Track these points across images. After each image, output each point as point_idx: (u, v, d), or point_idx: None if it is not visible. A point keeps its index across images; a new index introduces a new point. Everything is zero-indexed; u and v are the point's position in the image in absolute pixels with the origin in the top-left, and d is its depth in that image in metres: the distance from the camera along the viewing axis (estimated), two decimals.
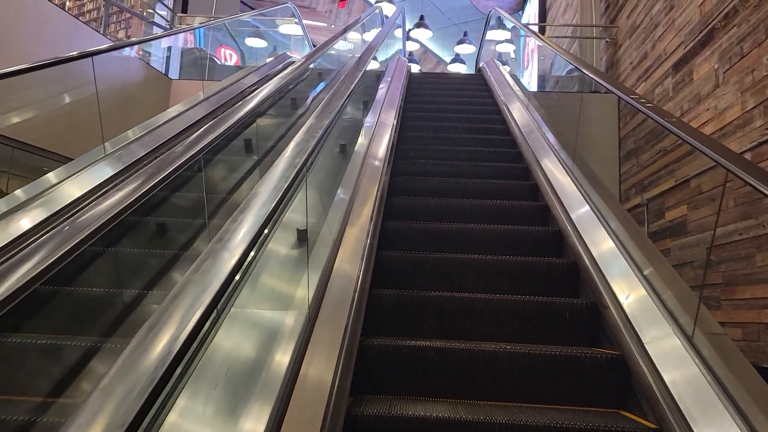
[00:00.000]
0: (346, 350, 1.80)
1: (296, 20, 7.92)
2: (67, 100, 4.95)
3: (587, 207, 2.85)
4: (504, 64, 10.87)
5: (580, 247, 2.64)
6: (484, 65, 7.04)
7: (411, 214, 3.25)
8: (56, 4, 6.27)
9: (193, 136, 3.03)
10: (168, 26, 10.07)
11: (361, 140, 3.57)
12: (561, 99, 7.13)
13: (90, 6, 12.60)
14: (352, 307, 2.02)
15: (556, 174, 3.48)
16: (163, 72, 7.34)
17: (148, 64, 6.94)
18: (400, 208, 3.31)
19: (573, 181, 3.22)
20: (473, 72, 9.74)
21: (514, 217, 3.27)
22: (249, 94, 4.19)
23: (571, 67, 7.12)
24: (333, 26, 16.53)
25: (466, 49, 13.38)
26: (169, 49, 7.25)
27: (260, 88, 3.43)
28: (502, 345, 2.10)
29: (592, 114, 6.77)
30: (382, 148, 3.54)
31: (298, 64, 3.93)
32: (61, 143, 5.23)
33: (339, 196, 2.82)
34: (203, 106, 4.10)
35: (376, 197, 2.93)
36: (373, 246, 2.65)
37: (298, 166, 1.73)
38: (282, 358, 1.59)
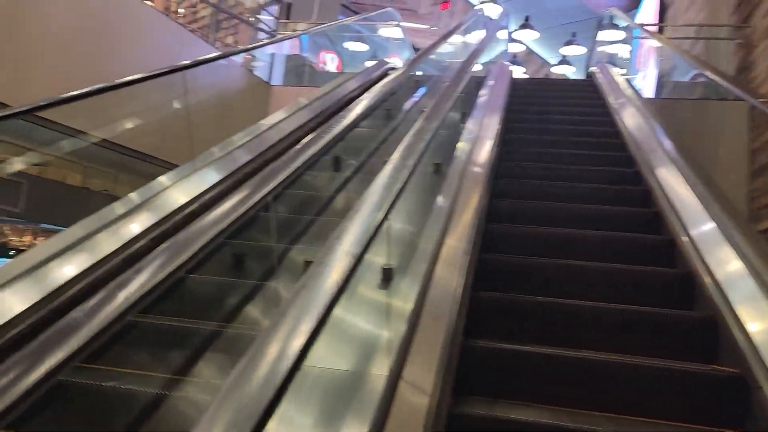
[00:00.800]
0: (447, 351, 1.87)
1: (396, 24, 8.14)
2: (171, 108, 5.35)
3: (707, 218, 2.76)
4: (616, 66, 10.54)
5: (696, 260, 2.60)
6: (596, 70, 6.88)
7: (514, 218, 3.33)
8: (164, 13, 6.84)
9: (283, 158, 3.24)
10: (272, 32, 10.66)
11: (462, 146, 3.65)
12: (683, 107, 6.83)
13: (203, 13, 13.64)
14: (454, 308, 2.10)
15: (672, 182, 3.38)
16: (266, 79, 7.80)
17: (250, 71, 7.40)
18: (504, 213, 3.39)
19: (691, 191, 3.11)
20: (583, 77, 9.53)
21: (623, 223, 3.26)
22: (347, 104, 4.37)
23: (695, 71, 6.81)
24: (435, 28, 16.71)
25: (574, 51, 13.11)
26: (271, 55, 7.69)
27: (358, 100, 3.62)
28: (611, 355, 2.12)
29: (717, 123, 6.44)
30: (483, 154, 3.60)
31: (398, 73, 4.07)
32: (166, 150, 5.68)
33: (440, 199, 2.95)
34: (299, 117, 4.34)
35: (478, 202, 3.02)
36: (476, 247, 2.72)
37: (411, 167, 1.83)
38: (386, 354, 1.70)
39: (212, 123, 6.34)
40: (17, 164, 5.59)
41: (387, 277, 1.97)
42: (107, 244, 2.47)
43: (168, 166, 4.90)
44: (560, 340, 2.34)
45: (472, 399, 1.98)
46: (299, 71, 7.80)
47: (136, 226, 2.66)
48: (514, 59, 14.19)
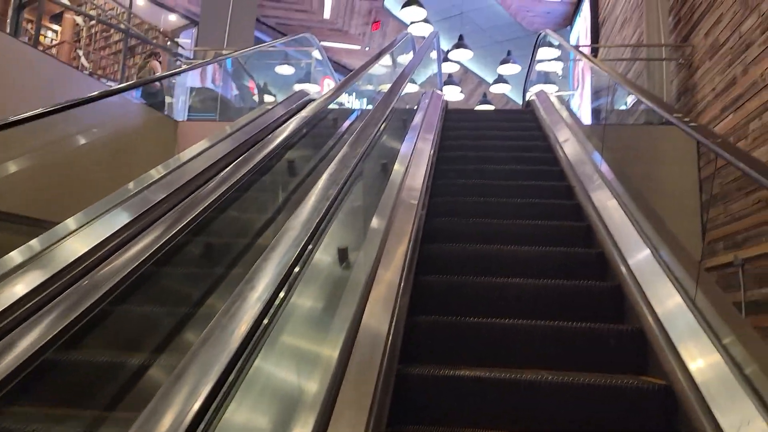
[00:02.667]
0: (383, 382, 1.80)
1: (316, 48, 7.28)
2: (45, 159, 4.46)
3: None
4: (551, 83, 9.98)
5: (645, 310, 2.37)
6: (535, 100, 6.10)
7: None
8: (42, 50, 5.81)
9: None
10: (190, 59, 9.68)
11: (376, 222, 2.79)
12: (628, 132, 6.22)
13: (116, 37, 12.49)
14: (389, 336, 2.04)
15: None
16: (171, 114, 6.78)
17: (151, 106, 6.38)
18: None
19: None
20: (520, 103, 8.92)
21: None
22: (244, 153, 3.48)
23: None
24: (367, 48, 16.02)
25: (510, 70, 12.63)
26: (175, 88, 6.70)
27: (247, 155, 2.74)
28: (544, 374, 2.07)
29: (664, 150, 5.84)
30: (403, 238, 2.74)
31: (299, 122, 3.17)
32: (40, 208, 4.66)
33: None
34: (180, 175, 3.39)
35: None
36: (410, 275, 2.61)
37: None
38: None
39: (102, 168, 5.36)
40: None
41: None
42: None
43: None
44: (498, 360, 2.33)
45: None
46: (210, 104, 6.83)
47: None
48: (450, 79, 13.57)
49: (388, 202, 2.97)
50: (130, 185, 3.27)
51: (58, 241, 2.72)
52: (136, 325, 2.48)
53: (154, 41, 11.11)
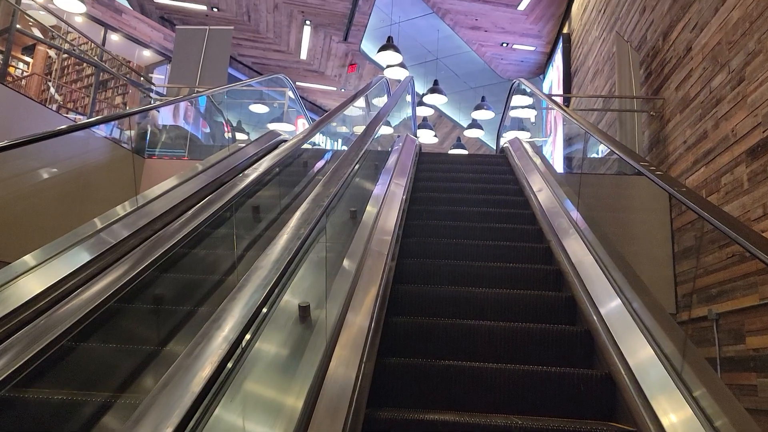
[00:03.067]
0: (350, 427, 1.79)
1: (289, 89, 7.39)
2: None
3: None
4: (524, 130, 10.27)
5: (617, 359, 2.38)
6: (509, 147, 6.27)
7: None
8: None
9: None
10: (163, 94, 9.69)
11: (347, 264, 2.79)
12: (602, 181, 6.39)
13: (89, 71, 12.46)
14: (358, 377, 2.02)
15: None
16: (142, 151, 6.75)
17: (116, 142, 6.35)
18: None
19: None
20: (494, 140, 9.11)
21: None
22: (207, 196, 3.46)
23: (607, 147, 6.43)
24: (343, 90, 16.29)
25: (484, 115, 12.93)
26: (144, 125, 6.69)
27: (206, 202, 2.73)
28: (514, 419, 2.10)
29: (638, 200, 6.00)
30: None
31: (265, 166, 3.18)
32: None
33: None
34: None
35: None
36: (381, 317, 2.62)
37: None
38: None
39: (61, 206, 5.26)
40: None
41: None
42: None
43: None
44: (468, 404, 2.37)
45: None
46: (179, 142, 6.84)
47: None
48: (425, 122, 13.84)
49: (359, 247, 2.98)
50: (87, 225, 3.23)
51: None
52: (91, 371, 2.41)
53: (127, 76, 11.14)
